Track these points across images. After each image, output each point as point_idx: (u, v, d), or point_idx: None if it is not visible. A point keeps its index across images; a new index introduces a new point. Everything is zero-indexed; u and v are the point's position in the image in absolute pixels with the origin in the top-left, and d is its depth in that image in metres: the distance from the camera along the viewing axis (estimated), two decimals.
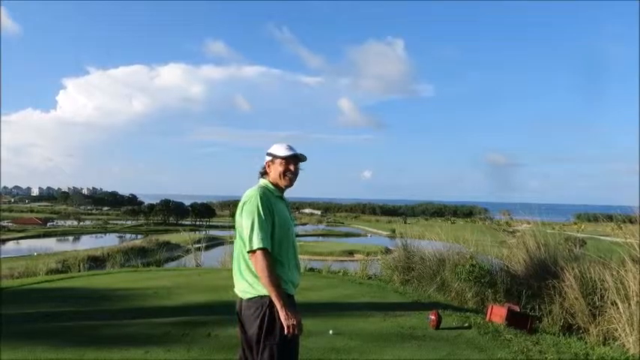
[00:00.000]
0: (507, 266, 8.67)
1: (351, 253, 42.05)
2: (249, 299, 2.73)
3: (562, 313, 6.89)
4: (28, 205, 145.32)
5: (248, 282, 2.75)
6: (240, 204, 2.82)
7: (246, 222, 2.71)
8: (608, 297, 6.46)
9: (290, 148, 2.92)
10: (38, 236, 76.09)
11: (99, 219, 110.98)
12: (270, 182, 2.93)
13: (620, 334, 6.01)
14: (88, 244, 60.07)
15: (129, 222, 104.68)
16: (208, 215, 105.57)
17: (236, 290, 2.85)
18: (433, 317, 5.82)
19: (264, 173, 2.97)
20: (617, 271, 6.61)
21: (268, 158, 2.95)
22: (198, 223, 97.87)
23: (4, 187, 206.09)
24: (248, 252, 2.69)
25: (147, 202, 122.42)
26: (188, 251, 14.55)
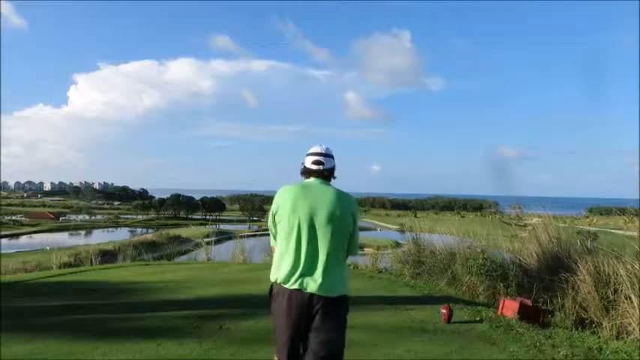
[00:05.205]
0: (519, 260, 8.59)
1: (360, 247, 41.81)
2: (336, 296, 2.73)
3: (575, 307, 6.81)
4: (41, 200, 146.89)
5: (337, 279, 2.75)
6: (346, 199, 2.83)
7: (357, 227, 2.89)
8: (621, 291, 6.38)
9: None
10: (51, 230, 77.21)
11: (110, 213, 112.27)
12: None
13: (634, 328, 5.93)
14: (100, 238, 60.70)
15: (140, 216, 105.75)
16: (218, 209, 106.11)
17: (315, 284, 2.70)
18: (444, 311, 5.80)
19: (332, 177, 2.95)
20: (631, 265, 6.52)
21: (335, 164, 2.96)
22: (208, 217, 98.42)
23: (17, 182, 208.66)
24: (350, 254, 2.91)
25: (157, 196, 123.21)
26: (198, 245, 14.62)
